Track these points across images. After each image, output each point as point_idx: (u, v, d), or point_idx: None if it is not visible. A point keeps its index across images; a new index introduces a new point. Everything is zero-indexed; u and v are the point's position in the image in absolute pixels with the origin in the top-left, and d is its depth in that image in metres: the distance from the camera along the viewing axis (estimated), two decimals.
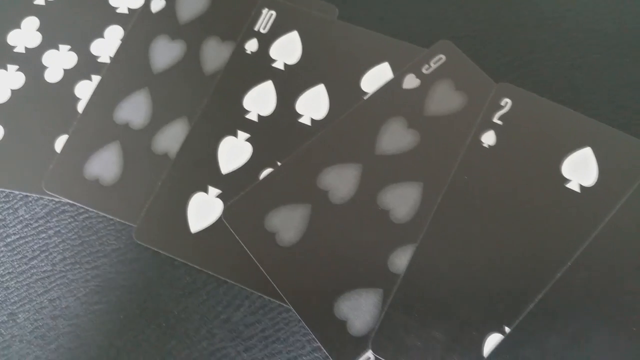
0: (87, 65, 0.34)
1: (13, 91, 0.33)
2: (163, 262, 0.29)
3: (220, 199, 0.30)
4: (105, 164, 0.31)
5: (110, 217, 0.30)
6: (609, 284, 0.28)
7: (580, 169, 0.29)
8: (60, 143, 0.32)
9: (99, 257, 0.30)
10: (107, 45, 0.35)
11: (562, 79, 0.32)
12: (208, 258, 0.29)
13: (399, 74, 0.32)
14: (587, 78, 0.32)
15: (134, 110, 0.32)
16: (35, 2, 0.35)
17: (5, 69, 0.34)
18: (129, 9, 0.35)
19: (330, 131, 0.31)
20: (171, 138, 0.31)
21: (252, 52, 0.33)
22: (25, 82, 0.34)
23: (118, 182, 0.31)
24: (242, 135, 0.31)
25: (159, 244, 0.30)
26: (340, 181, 0.30)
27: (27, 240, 0.30)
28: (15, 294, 0.29)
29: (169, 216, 0.30)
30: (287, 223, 0.29)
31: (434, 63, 0.32)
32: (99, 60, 0.34)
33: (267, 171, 0.30)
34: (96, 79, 0.34)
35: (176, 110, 0.32)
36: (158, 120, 0.32)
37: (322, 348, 0.27)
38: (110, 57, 0.34)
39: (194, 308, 0.28)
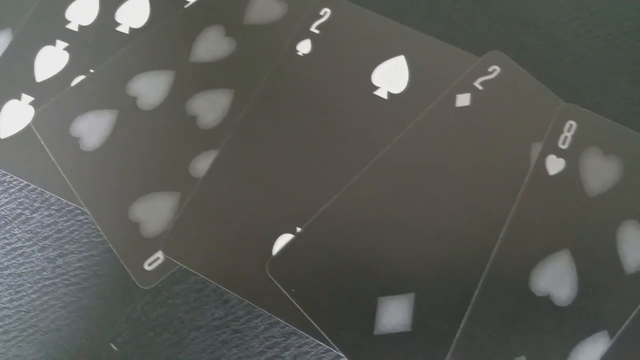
0: None
1: None
2: None
3: (33, 106, 0.30)
4: None
5: None
6: (405, 186, 0.27)
7: (391, 76, 0.29)
8: None
9: None
10: None
11: None
12: (14, 162, 0.29)
13: None
14: None
15: None
16: None
17: None
18: None
19: (145, 39, 0.30)
20: None
21: None
22: None
23: None
24: (61, 44, 0.31)
25: None
26: (151, 88, 0.29)
27: None
28: None
29: None
30: (93, 128, 0.29)
31: None
32: None
33: (79, 78, 0.30)
34: None
35: (2, 24, 0.32)
36: None
37: (113, 249, 0.27)
38: None
39: None
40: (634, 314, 0.25)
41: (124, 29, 0.31)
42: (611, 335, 0.25)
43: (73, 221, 0.28)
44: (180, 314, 0.26)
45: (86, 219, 0.28)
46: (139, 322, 0.26)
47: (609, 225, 0.26)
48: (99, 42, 0.31)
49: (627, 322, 0.25)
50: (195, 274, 0.26)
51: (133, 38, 0.30)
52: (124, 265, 0.27)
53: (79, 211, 0.28)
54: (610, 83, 0.29)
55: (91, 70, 0.30)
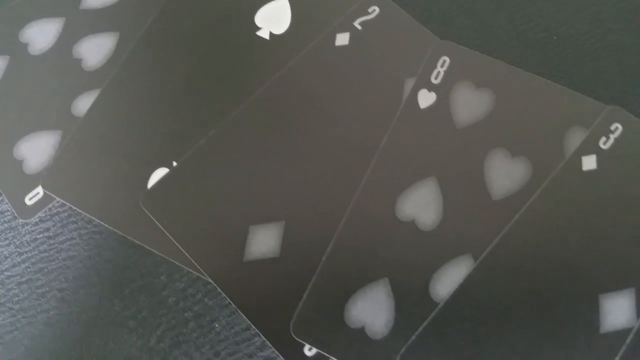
0: None
1: None
2: None
3: None
4: None
5: None
6: (283, 122, 0.28)
7: (274, 17, 0.30)
8: None
9: None
10: None
11: None
12: None
13: None
14: None
15: None
16: None
17: None
18: None
19: None
20: None
21: None
22: None
23: None
24: None
25: None
26: (41, 34, 0.30)
27: None
28: None
29: None
30: None
31: None
32: None
33: None
34: None
35: None
36: None
37: None
38: None
39: None
40: (499, 238, 0.26)
41: None
42: (475, 258, 0.25)
43: None
44: (56, 244, 0.27)
45: None
46: (17, 254, 0.27)
47: (477, 153, 0.27)
48: None
49: (491, 245, 0.26)
50: (73, 208, 0.27)
51: None
52: (7, 200, 0.27)
53: None
54: (489, 20, 0.29)
55: None
